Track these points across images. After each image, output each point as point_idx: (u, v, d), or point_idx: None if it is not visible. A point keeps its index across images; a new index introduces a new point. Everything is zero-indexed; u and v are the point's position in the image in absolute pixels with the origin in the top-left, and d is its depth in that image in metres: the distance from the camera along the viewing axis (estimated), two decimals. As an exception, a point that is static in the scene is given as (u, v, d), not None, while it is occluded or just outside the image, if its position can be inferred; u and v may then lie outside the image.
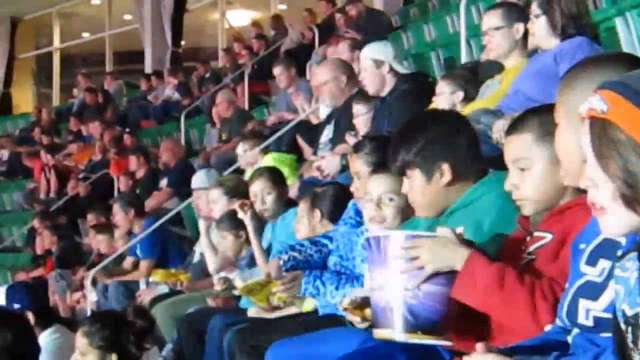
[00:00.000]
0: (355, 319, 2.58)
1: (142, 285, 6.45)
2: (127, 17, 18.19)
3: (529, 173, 2.16)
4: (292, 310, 4.08)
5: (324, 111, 6.61)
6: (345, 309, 2.60)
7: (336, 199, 3.96)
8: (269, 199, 4.72)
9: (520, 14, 4.09)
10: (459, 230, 2.20)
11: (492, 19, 4.14)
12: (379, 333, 2.14)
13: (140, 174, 9.57)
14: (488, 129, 3.59)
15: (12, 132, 16.13)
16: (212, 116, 10.37)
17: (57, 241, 8.84)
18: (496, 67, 4.33)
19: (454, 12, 8.25)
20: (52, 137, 13.88)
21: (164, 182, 8.83)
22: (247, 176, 6.48)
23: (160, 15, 15.80)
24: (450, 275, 2.08)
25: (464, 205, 2.60)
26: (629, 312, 1.46)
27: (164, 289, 6.04)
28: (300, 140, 6.97)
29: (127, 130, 12.15)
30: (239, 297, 4.75)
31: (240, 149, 7.23)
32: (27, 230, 11.24)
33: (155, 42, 15.93)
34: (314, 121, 7.11)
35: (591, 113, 1.45)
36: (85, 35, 19.96)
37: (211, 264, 5.42)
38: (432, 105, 4.56)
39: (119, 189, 10.07)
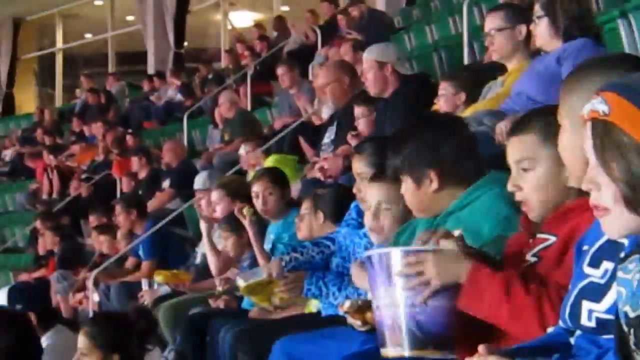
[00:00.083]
0: (355, 322, 2.57)
1: (145, 286, 6.44)
2: (130, 18, 18.21)
3: (531, 174, 2.15)
4: (295, 311, 4.08)
5: (326, 112, 6.61)
6: (346, 312, 2.59)
7: (338, 200, 3.96)
8: (271, 200, 4.73)
9: (523, 15, 4.08)
10: (457, 233, 2.19)
11: (495, 20, 4.14)
12: (388, 352, 2.10)
13: (142, 174, 9.58)
14: (490, 130, 3.59)
15: (14, 132, 16.11)
16: (214, 117, 10.37)
17: (59, 242, 8.83)
18: (499, 69, 4.33)
19: (457, 13, 8.25)
20: (55, 137, 13.89)
21: (166, 183, 8.83)
22: (249, 177, 6.48)
23: (162, 16, 15.81)
24: (455, 288, 2.06)
25: (461, 206, 2.60)
26: (632, 314, 1.46)
27: (166, 289, 6.04)
28: (303, 142, 6.97)
29: (130, 131, 12.16)
30: (240, 298, 4.75)
31: (243, 150, 7.24)
32: (29, 231, 11.24)
33: (158, 43, 15.94)
34: (317, 122, 7.11)
35: (593, 115, 1.45)
36: (88, 36, 19.99)
37: (213, 266, 5.42)
38: (435, 107, 4.56)
39: (121, 189, 10.07)
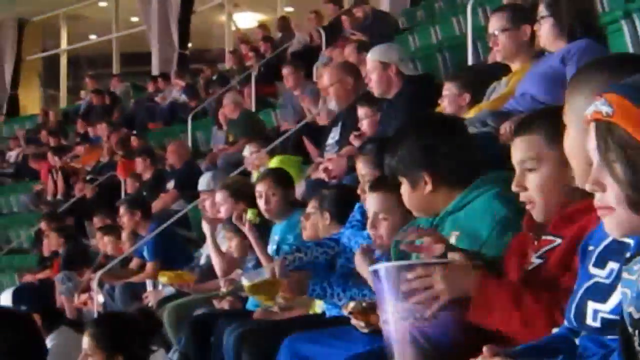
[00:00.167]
0: (359, 323, 2.57)
1: (149, 287, 6.45)
2: (134, 19, 18.23)
3: (535, 174, 2.15)
4: (299, 312, 4.08)
5: (330, 113, 6.61)
6: (351, 313, 2.59)
7: (342, 201, 3.96)
8: (273, 200, 4.73)
9: (527, 15, 4.08)
10: (455, 235, 2.19)
11: (499, 21, 4.13)
12: None
13: (146, 175, 9.59)
14: (495, 130, 3.59)
15: (19, 133, 16.13)
16: (218, 118, 10.38)
17: (63, 243, 8.84)
18: (503, 69, 4.32)
19: (461, 14, 8.25)
20: (59, 139, 13.91)
21: (170, 184, 8.84)
22: (253, 178, 6.49)
23: (167, 17, 15.83)
24: (464, 300, 2.05)
25: (458, 207, 2.60)
26: (636, 315, 1.46)
27: (170, 290, 6.04)
28: (307, 142, 6.98)
29: (134, 132, 12.17)
30: (245, 299, 4.75)
31: (247, 151, 7.24)
32: (34, 232, 11.26)
33: (162, 44, 15.96)
34: (321, 123, 7.11)
35: (596, 116, 1.45)
36: (93, 37, 20.02)
37: (218, 267, 5.42)
38: (439, 108, 4.56)
39: (125, 190, 10.08)
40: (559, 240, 2.09)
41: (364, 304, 2.57)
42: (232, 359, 3.85)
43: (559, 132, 1.97)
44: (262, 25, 14.21)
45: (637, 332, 1.46)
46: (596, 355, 1.69)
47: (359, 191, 3.53)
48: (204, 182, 7.07)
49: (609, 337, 1.69)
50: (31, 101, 19.57)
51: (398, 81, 4.92)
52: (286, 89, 9.33)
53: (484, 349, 1.68)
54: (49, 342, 4.23)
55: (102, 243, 7.86)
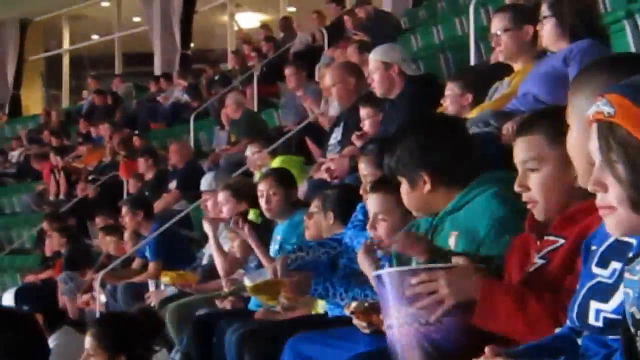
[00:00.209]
0: (361, 324, 2.57)
1: (151, 287, 6.45)
2: (136, 19, 18.24)
3: (538, 174, 2.15)
4: (301, 312, 4.08)
5: (332, 113, 6.61)
6: (352, 313, 2.59)
7: (344, 201, 3.96)
8: (274, 199, 4.73)
9: (530, 15, 4.07)
10: (454, 234, 2.19)
11: (501, 21, 4.13)
12: None
13: (149, 176, 9.59)
14: (497, 130, 3.58)
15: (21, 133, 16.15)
16: (220, 118, 10.38)
17: (66, 243, 8.84)
18: (505, 69, 4.32)
19: (463, 14, 8.25)
20: (62, 139, 13.92)
21: (172, 184, 8.84)
22: (255, 178, 6.49)
23: (169, 17, 15.84)
24: (468, 304, 2.05)
25: (457, 207, 2.60)
26: (638, 316, 1.46)
27: (172, 290, 6.04)
28: (309, 142, 6.98)
29: (136, 132, 12.17)
30: (247, 299, 4.75)
31: (249, 151, 7.24)
32: (36, 232, 11.26)
33: (164, 44, 15.97)
34: (323, 123, 7.11)
35: (598, 116, 1.44)
36: (95, 37, 20.03)
37: (220, 267, 5.42)
38: (441, 108, 4.56)
39: (127, 190, 10.08)
40: (561, 241, 2.09)
41: (366, 304, 2.57)
42: (234, 359, 3.86)
43: (560, 132, 1.98)
44: (265, 26, 14.22)
45: (639, 332, 1.46)
46: (598, 356, 1.69)
47: (361, 191, 3.53)
48: (206, 182, 7.07)
49: (611, 337, 1.69)
50: (33, 101, 19.58)
51: (400, 81, 4.91)
52: (288, 89, 9.33)
53: (486, 349, 1.69)
54: (51, 342, 4.23)
55: (104, 243, 7.86)
